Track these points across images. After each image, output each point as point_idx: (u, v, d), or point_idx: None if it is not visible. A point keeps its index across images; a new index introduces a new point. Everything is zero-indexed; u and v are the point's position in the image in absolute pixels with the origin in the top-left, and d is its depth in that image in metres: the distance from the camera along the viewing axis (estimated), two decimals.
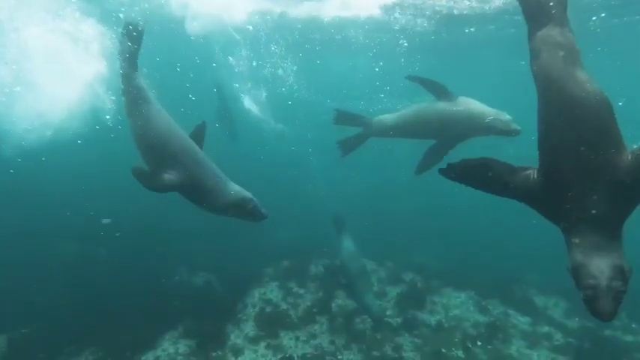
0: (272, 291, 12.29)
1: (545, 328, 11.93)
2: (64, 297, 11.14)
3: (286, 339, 10.09)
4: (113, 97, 9.17)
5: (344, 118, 7.96)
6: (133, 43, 5.81)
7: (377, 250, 16.22)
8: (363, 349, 10.11)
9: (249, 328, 10.33)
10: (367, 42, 18.28)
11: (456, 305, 12.60)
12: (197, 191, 5.26)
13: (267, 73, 18.30)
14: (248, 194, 5.36)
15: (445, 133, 7.00)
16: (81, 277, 12.14)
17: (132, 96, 5.66)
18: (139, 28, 5.88)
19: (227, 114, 16.00)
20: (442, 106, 6.88)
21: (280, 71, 18.11)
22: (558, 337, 11.45)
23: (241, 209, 5.25)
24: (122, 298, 11.12)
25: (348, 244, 11.37)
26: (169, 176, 5.07)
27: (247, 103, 17.94)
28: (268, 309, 11.25)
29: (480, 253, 16.88)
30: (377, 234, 17.66)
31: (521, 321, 12.17)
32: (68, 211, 15.17)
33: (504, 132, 6.43)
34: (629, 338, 11.65)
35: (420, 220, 21.34)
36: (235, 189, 5.37)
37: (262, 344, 9.83)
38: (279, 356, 9.39)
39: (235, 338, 10.05)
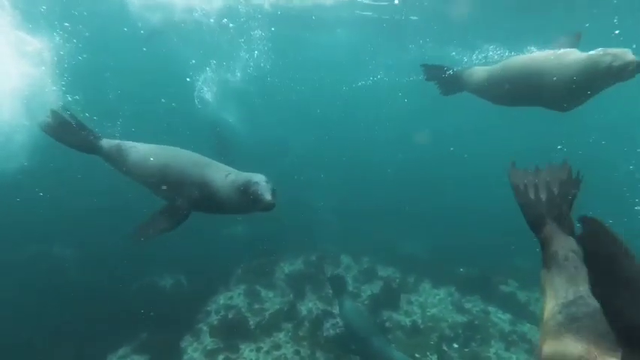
0: (239, 295, 11.59)
1: (527, 326, 11.34)
2: (8, 305, 10.33)
3: (247, 351, 9.40)
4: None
5: (433, 72, 6.94)
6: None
7: (355, 243, 15.63)
8: (330, 359, 9.46)
9: (209, 340, 9.63)
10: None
11: (433, 304, 11.97)
12: (212, 197, 4.74)
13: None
14: (253, 177, 4.52)
15: (548, 90, 5.17)
16: (33, 282, 11.37)
17: (113, 158, 5.61)
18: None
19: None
20: (543, 54, 5.32)
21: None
22: (539, 337, 10.84)
23: (245, 196, 4.45)
24: (77, 307, 10.44)
25: (350, 304, 10.08)
26: (181, 201, 4.77)
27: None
28: (231, 316, 10.55)
29: (468, 243, 16.33)
30: (357, 225, 17.08)
31: (502, 319, 11.56)
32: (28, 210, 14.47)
33: (623, 70, 4.45)
34: None
35: (410, 207, 20.81)
36: (244, 175, 4.63)
37: (220, 358, 9.14)
38: None
39: (193, 352, 9.36)
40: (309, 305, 11.24)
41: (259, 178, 4.45)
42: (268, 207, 4.24)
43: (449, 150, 27.11)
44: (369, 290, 12.23)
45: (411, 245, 17.57)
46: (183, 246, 14.54)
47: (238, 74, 17.93)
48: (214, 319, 10.44)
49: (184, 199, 4.70)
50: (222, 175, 4.72)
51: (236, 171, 4.83)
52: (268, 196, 4.23)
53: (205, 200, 4.72)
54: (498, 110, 6.65)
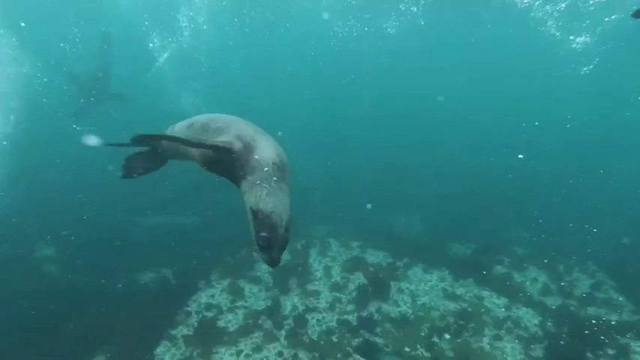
0: (221, 292, 11.10)
1: (522, 311, 10.87)
2: None
3: (227, 355, 8.96)
4: None
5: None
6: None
7: (346, 224, 15.08)
8: (314, 358, 9.03)
9: (186, 346, 9.17)
10: None
11: (425, 291, 11.47)
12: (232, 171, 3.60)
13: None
14: (276, 214, 3.13)
15: None
16: (8, 284, 10.93)
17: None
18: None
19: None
20: None
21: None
22: (535, 322, 10.39)
23: (254, 220, 3.37)
24: (53, 311, 10.04)
25: None
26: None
27: None
28: (212, 316, 10.09)
29: (465, 220, 15.80)
30: (348, 204, 16.51)
31: (496, 304, 11.08)
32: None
33: None
34: (613, 317, 10.58)
35: (409, 182, 20.21)
36: (271, 203, 3.38)
37: None
38: None
39: (170, 359, 8.92)
40: (294, 300, 10.75)
41: (280, 222, 3.09)
42: (270, 264, 3.16)
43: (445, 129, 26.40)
44: (357, 280, 11.72)
45: (406, 223, 17.09)
46: (168, 238, 14.16)
47: None
48: (194, 320, 9.97)
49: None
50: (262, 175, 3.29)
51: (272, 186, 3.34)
52: (276, 256, 3.13)
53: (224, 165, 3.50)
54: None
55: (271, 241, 2.99)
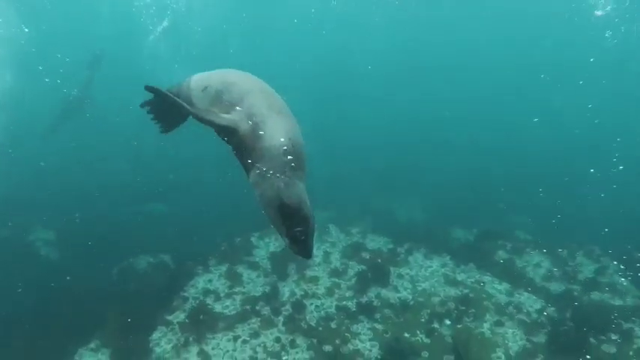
0: (219, 277, 10.99)
1: (524, 296, 10.69)
2: None
3: (224, 341, 8.87)
4: None
5: None
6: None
7: (347, 209, 14.91)
8: (313, 345, 8.92)
9: (182, 331, 9.08)
10: None
11: (425, 277, 11.31)
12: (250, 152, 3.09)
13: None
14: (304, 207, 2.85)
15: None
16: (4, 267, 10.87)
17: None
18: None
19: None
20: None
21: None
22: (537, 307, 10.22)
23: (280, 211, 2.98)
24: (49, 297, 10.00)
25: None
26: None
27: None
28: (209, 302, 9.99)
29: (468, 206, 15.61)
30: (350, 189, 16.32)
31: (498, 289, 10.90)
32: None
33: None
34: (617, 302, 10.40)
35: (410, 166, 19.99)
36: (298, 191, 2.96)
37: (194, 350, 8.62)
38: None
39: (166, 344, 8.83)
40: (293, 286, 10.62)
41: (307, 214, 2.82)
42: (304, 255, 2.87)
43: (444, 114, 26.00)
44: (356, 266, 11.56)
45: (408, 208, 16.92)
46: (167, 222, 14.06)
47: None
48: (191, 305, 9.87)
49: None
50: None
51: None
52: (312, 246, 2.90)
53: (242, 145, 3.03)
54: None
55: (307, 232, 2.75)
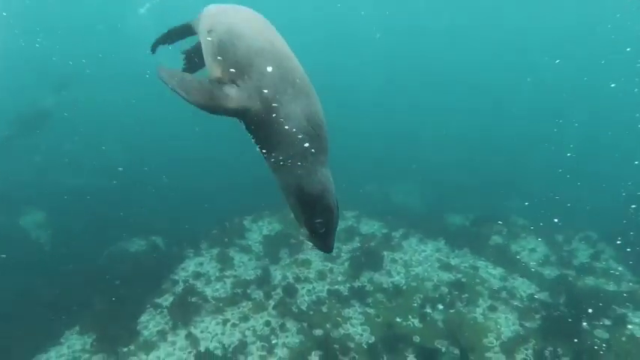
0: (210, 260, 10.86)
1: (518, 281, 10.60)
2: None
3: (212, 324, 8.76)
4: None
5: None
6: None
7: (342, 193, 14.68)
8: (303, 329, 8.81)
9: (170, 314, 8.96)
10: None
11: (418, 262, 11.19)
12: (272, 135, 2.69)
13: None
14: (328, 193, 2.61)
15: None
16: None
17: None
18: None
19: None
20: None
21: None
22: (531, 292, 10.12)
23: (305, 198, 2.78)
24: (36, 280, 9.86)
25: None
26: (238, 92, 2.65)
27: None
28: (199, 286, 9.86)
29: (465, 190, 15.45)
30: (346, 173, 16.11)
31: (492, 274, 10.80)
32: None
33: None
34: (611, 287, 10.31)
35: (405, 150, 19.76)
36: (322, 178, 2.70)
37: (182, 333, 8.51)
38: (198, 349, 8.08)
39: (154, 327, 8.72)
40: (285, 270, 10.49)
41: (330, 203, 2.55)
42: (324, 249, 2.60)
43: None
44: (350, 250, 11.43)
45: (405, 193, 16.76)
46: (160, 204, 13.89)
47: None
48: (180, 288, 9.74)
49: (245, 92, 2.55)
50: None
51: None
52: (333, 240, 2.62)
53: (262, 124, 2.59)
54: None
55: (329, 225, 2.48)
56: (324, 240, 2.50)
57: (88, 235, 12.08)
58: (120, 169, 14.32)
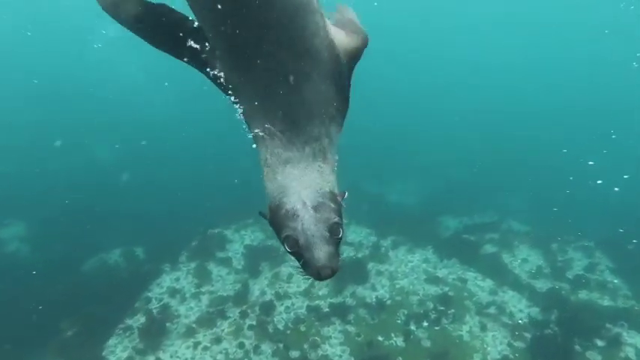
0: (187, 275, 10.46)
1: (508, 295, 10.11)
2: None
3: (183, 348, 8.37)
4: None
5: None
6: None
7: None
8: (278, 351, 8.41)
9: (141, 337, 8.57)
10: None
11: (404, 274, 10.71)
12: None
13: None
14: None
15: None
16: None
17: None
18: None
19: None
20: None
21: None
22: (521, 308, 9.64)
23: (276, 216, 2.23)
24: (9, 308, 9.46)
25: None
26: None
27: None
28: (173, 304, 9.47)
29: (461, 192, 14.95)
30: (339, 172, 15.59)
31: (481, 287, 10.31)
32: None
33: None
34: (606, 302, 9.79)
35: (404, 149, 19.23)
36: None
37: (150, 359, 8.13)
38: None
39: (121, 352, 8.34)
40: (264, 285, 10.06)
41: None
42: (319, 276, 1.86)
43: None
44: None
45: (399, 193, 16.27)
46: (144, 212, 13.49)
47: None
48: (154, 307, 9.36)
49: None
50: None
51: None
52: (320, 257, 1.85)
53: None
54: None
55: (298, 239, 1.83)
56: (308, 260, 1.80)
57: (68, 246, 11.74)
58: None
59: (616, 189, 12.69)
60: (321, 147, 2.07)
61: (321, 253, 1.79)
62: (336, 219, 1.91)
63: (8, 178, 15.19)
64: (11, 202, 13.85)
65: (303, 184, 1.97)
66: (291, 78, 1.96)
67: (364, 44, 2.25)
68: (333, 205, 1.95)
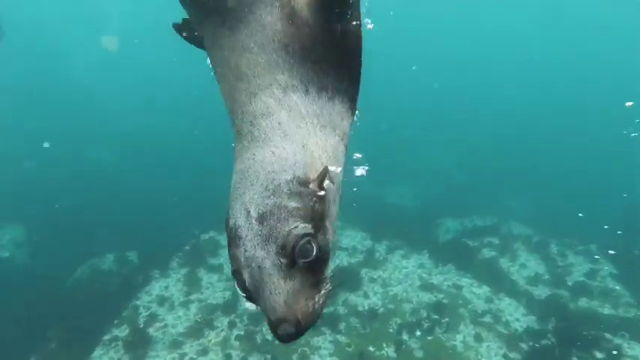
0: (176, 282, 10.30)
1: (505, 302, 9.81)
2: None
3: (168, 359, 8.21)
4: None
5: None
6: None
7: None
8: None
9: (126, 348, 8.44)
10: None
11: (398, 280, 10.46)
12: None
13: None
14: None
15: None
16: None
17: None
18: None
19: None
20: None
21: None
22: (518, 317, 9.35)
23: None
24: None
25: None
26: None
27: None
28: (160, 313, 9.32)
29: (460, 194, 14.67)
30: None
31: (477, 294, 10.03)
32: None
33: None
34: (606, 311, 9.45)
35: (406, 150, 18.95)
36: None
37: None
38: None
39: None
40: None
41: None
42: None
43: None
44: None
45: (398, 196, 16.02)
46: (139, 216, 13.38)
47: None
48: (141, 316, 9.22)
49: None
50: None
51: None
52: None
53: None
54: None
55: (244, 278, 1.34)
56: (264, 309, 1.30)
57: (61, 252, 11.66)
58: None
59: (624, 195, 12.32)
60: (274, 123, 1.57)
61: (273, 297, 1.22)
62: (300, 227, 1.32)
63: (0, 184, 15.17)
64: (3, 208, 13.82)
65: (248, 179, 1.44)
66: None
67: None
68: (295, 204, 1.35)
